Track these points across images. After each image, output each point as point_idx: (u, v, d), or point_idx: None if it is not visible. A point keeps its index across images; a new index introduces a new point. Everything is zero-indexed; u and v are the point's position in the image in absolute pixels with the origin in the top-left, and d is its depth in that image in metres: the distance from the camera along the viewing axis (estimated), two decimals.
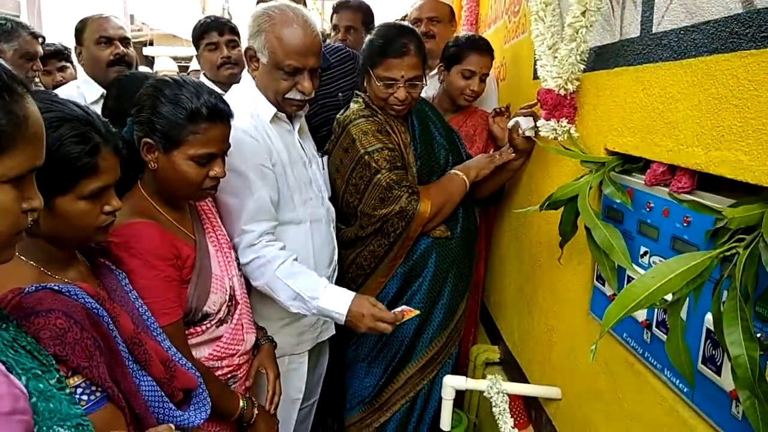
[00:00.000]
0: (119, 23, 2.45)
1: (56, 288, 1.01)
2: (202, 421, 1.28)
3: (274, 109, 1.76)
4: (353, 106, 1.99)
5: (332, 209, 1.97)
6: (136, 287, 1.30)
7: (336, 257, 1.96)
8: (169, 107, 1.36)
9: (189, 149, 1.37)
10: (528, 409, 1.89)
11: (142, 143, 1.37)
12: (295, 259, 1.72)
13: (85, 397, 1.00)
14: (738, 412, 0.90)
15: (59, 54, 3.07)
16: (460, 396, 2.43)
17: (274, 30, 1.68)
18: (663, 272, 0.87)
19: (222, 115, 1.41)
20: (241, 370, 1.63)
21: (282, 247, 1.72)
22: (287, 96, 1.74)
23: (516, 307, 2.10)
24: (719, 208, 0.90)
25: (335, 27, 2.75)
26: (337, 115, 2.03)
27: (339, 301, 1.67)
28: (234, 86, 1.91)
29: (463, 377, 1.74)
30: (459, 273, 2.03)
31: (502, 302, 2.30)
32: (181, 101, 1.36)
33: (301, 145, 1.88)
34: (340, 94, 2.33)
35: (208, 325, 1.50)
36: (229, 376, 1.58)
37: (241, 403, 1.55)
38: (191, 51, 2.89)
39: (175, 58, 11.35)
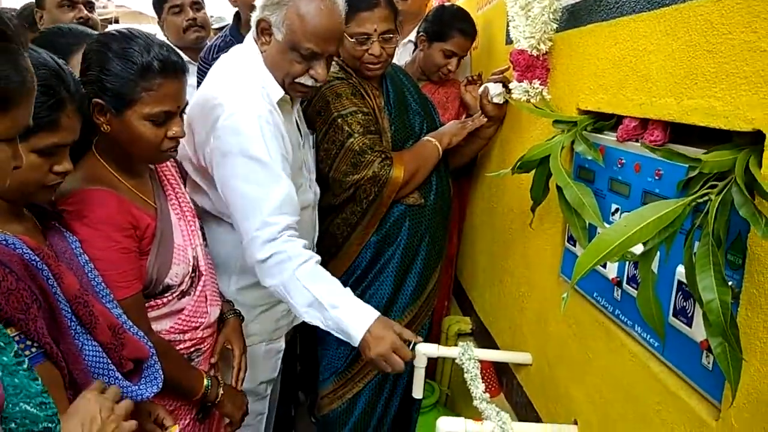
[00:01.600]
0: None
1: None
2: (152, 394, 1.22)
3: (281, 92, 1.59)
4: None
5: (318, 192, 1.89)
6: (90, 258, 1.23)
7: (316, 240, 1.91)
8: (118, 63, 1.26)
9: (143, 108, 1.28)
10: (499, 376, 1.89)
11: (92, 104, 1.28)
12: (317, 262, 1.55)
13: (27, 351, 0.94)
14: (708, 363, 0.90)
15: None
16: (432, 368, 2.42)
17: (298, 6, 1.50)
18: (635, 221, 0.86)
19: (176, 68, 1.32)
20: (205, 343, 1.56)
21: (304, 245, 1.53)
22: (297, 80, 1.58)
23: (487, 276, 2.09)
24: (693, 156, 0.88)
25: None
26: None
27: (361, 317, 1.47)
28: (236, 54, 1.66)
29: (435, 345, 1.72)
30: (432, 241, 2.00)
31: (474, 273, 2.29)
32: (131, 56, 1.26)
33: (297, 126, 1.77)
34: None
35: (170, 298, 1.43)
36: (192, 349, 1.51)
37: (205, 382, 1.49)
38: (158, 29, 2.76)
39: None
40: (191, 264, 1.47)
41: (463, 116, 2.17)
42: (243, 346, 1.65)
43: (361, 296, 1.95)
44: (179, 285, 1.44)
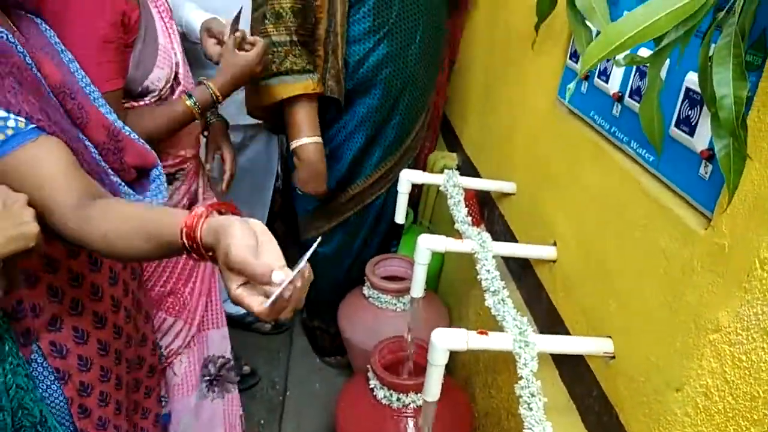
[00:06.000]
0: None
1: None
2: (160, 202, 1.13)
3: None
4: None
5: None
6: (66, 46, 1.07)
7: None
8: None
9: None
10: (482, 209, 1.89)
11: None
12: None
13: (12, 123, 0.81)
14: (706, 172, 0.86)
15: None
16: (416, 202, 2.43)
17: None
18: (653, 10, 0.76)
19: None
20: (188, 164, 1.48)
21: None
22: None
23: (479, 108, 2.01)
24: None
25: None
26: None
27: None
28: None
29: (420, 171, 1.68)
30: (415, 89, 1.83)
31: (464, 106, 2.21)
32: None
33: None
34: None
35: (148, 102, 1.33)
36: (175, 169, 1.45)
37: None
38: None
39: None
40: (173, 69, 1.35)
41: None
42: (233, 150, 1.60)
43: (332, 146, 1.84)
44: (159, 91, 1.32)
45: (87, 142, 0.99)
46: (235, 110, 1.84)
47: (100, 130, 1.02)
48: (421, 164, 2.29)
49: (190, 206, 1.46)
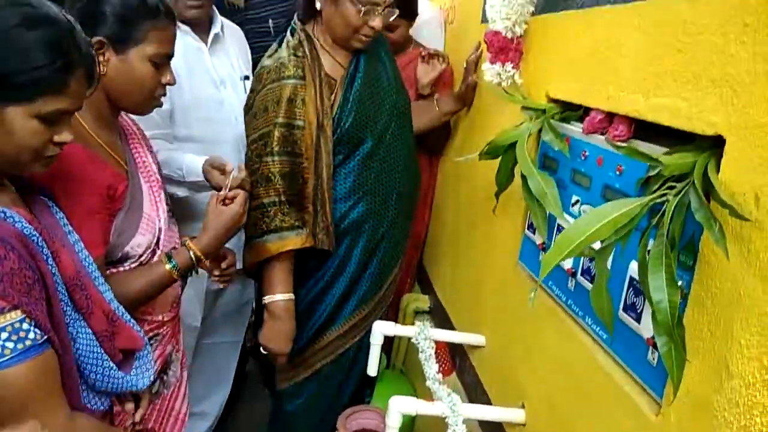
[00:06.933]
0: None
1: None
2: (146, 384, 1.16)
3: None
4: (282, 53, 1.69)
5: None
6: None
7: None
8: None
9: (148, 47, 1.25)
10: (453, 356, 1.92)
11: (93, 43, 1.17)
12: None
13: (32, 335, 0.86)
14: (653, 359, 0.91)
15: None
16: (389, 345, 2.44)
17: None
18: (595, 219, 0.86)
19: (174, 14, 1.32)
20: (165, 328, 1.46)
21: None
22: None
23: (449, 257, 2.09)
24: (654, 156, 0.88)
25: None
26: (265, 58, 1.75)
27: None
28: None
29: (392, 323, 1.72)
30: (391, 243, 1.89)
31: (436, 253, 2.30)
32: None
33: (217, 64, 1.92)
34: (270, 20, 2.20)
35: (126, 267, 1.33)
36: (151, 335, 1.41)
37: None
38: None
39: None
40: (155, 235, 1.39)
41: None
42: (233, 251, 1.61)
43: (310, 298, 1.85)
44: (139, 256, 1.35)
45: (83, 338, 1.01)
46: None
47: (101, 319, 1.05)
48: (394, 306, 2.33)
49: (162, 369, 1.45)
